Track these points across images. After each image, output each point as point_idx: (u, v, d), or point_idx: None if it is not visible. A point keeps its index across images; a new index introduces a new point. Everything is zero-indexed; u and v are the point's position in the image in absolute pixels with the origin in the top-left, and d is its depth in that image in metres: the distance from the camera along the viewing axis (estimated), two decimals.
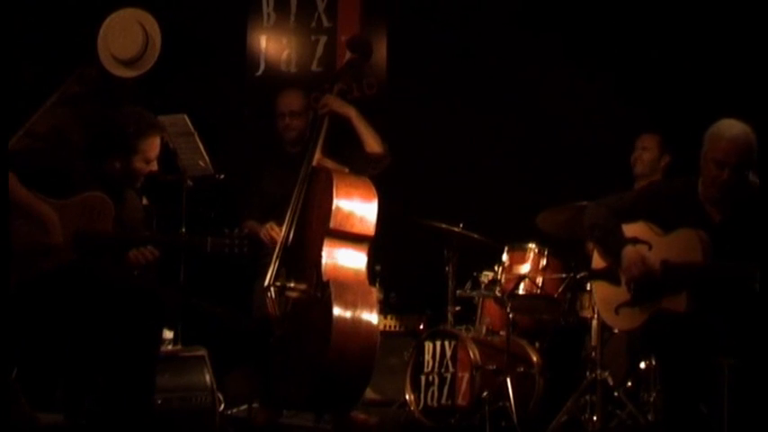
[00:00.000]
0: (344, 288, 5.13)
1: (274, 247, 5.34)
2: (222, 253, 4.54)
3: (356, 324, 5.09)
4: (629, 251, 4.45)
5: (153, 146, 4.56)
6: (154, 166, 4.60)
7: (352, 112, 5.47)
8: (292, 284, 5.22)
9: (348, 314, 5.08)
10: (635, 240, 4.50)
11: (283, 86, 6.35)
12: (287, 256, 5.29)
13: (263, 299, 5.25)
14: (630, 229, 4.54)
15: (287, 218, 5.35)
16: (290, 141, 5.72)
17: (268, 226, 5.44)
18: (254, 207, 5.64)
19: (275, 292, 5.22)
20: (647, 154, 5.81)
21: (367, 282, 5.31)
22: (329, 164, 5.44)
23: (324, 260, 5.17)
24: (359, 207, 5.28)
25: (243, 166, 6.00)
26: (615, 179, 5.73)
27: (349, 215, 5.25)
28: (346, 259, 5.25)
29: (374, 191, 5.35)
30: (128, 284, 4.45)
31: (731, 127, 4.35)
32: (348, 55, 5.95)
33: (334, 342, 5.00)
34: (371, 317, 5.15)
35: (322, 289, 5.10)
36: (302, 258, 5.27)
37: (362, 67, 5.75)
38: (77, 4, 6.66)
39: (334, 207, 5.20)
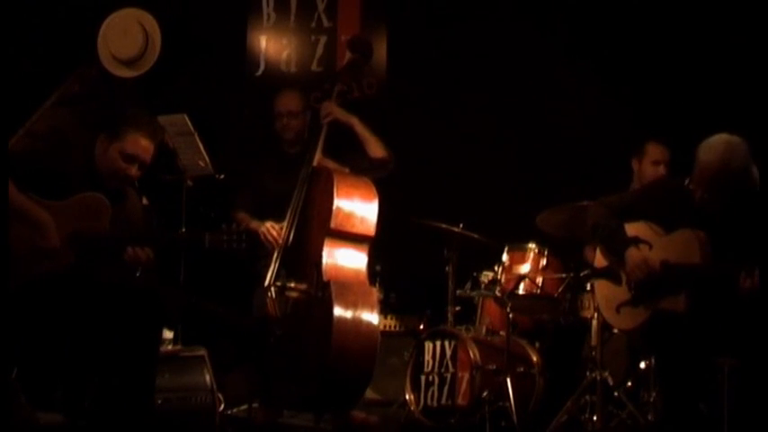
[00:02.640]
0: (345, 288, 5.13)
1: (274, 247, 5.33)
2: (220, 248, 4.54)
3: (357, 324, 5.09)
4: (632, 253, 4.46)
5: (133, 142, 4.46)
6: (131, 170, 4.52)
7: (354, 120, 5.48)
8: (293, 284, 5.22)
9: (349, 314, 5.08)
10: (636, 240, 4.50)
11: (283, 86, 6.35)
12: (287, 256, 5.29)
13: (264, 299, 5.25)
14: (631, 229, 4.55)
15: (287, 218, 5.36)
16: (288, 141, 5.72)
17: (268, 225, 5.43)
18: (248, 200, 5.64)
19: (275, 291, 5.22)
20: (661, 169, 5.60)
21: (367, 282, 5.31)
22: (330, 164, 5.44)
23: (324, 260, 5.18)
24: (360, 207, 5.29)
25: (242, 164, 6.00)
26: (615, 179, 5.73)
27: (350, 215, 5.25)
28: (347, 259, 5.25)
29: (375, 191, 5.36)
30: (127, 285, 4.45)
31: (712, 150, 4.29)
32: (348, 55, 5.95)
33: (335, 342, 5.00)
34: (372, 317, 5.15)
35: (323, 289, 5.10)
36: (302, 258, 5.27)
37: (363, 67, 5.75)
38: (77, 4, 6.65)
39: (335, 207, 5.20)
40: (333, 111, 5.49)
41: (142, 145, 4.48)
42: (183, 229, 5.74)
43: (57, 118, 5.29)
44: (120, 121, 4.52)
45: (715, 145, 4.33)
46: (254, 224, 5.48)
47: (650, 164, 5.65)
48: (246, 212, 5.56)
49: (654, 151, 5.68)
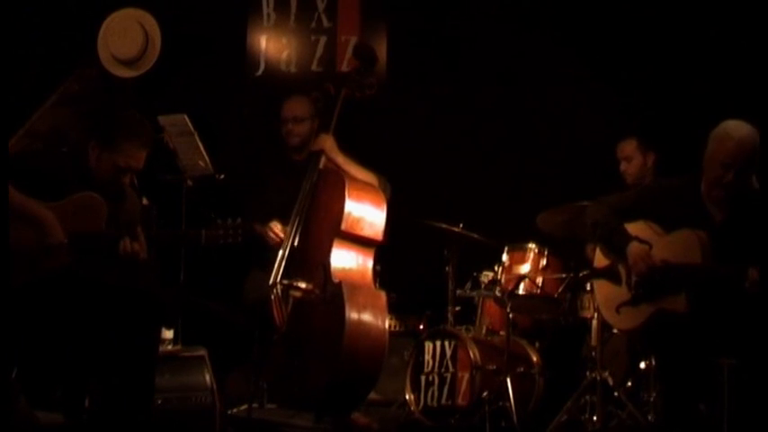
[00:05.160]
0: (356, 290, 5.12)
1: (278, 245, 5.34)
2: (217, 244, 4.54)
3: (368, 327, 5.08)
4: (634, 247, 4.46)
5: (128, 154, 4.43)
6: (125, 178, 4.50)
7: (339, 159, 5.43)
8: (302, 285, 5.20)
9: (360, 317, 5.06)
10: (637, 239, 4.50)
11: (283, 86, 6.35)
12: (292, 255, 5.28)
13: (256, 289, 5.24)
14: (631, 228, 4.54)
15: (292, 218, 5.34)
16: (293, 147, 5.72)
17: (271, 224, 5.44)
18: (257, 211, 5.64)
19: (281, 290, 5.21)
20: (632, 165, 5.73)
21: (374, 285, 5.31)
22: (340, 158, 5.41)
23: (333, 262, 5.16)
24: (370, 211, 5.28)
25: (246, 173, 5.99)
26: (615, 179, 5.73)
27: (360, 218, 5.24)
28: (354, 262, 5.24)
29: (383, 197, 5.36)
30: (126, 284, 4.45)
31: (738, 128, 4.34)
32: (353, 61, 5.95)
33: (346, 344, 4.97)
34: (382, 320, 5.14)
35: (332, 290, 5.09)
36: (308, 259, 5.26)
37: (366, 74, 5.72)
38: (77, 4, 6.65)
39: (346, 209, 5.19)
40: (325, 143, 5.43)
41: (135, 156, 4.46)
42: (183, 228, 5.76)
43: (57, 118, 5.30)
44: (111, 127, 4.48)
45: (738, 124, 4.36)
46: (257, 228, 5.49)
47: (625, 162, 5.77)
48: (259, 224, 5.56)
49: (621, 149, 5.80)
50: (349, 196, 5.21)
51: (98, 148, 4.45)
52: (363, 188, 5.33)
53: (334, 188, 5.27)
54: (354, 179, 5.35)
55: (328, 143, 5.43)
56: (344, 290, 5.06)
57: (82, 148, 4.51)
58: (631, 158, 5.75)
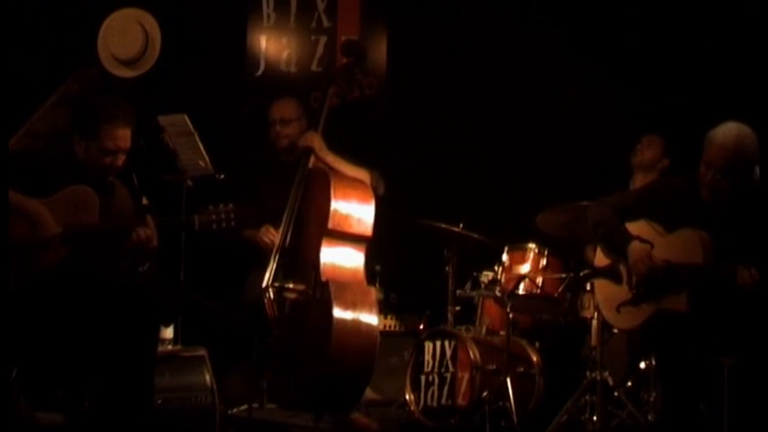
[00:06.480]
0: (344, 288, 5.13)
1: (271, 249, 5.34)
2: (210, 229, 4.54)
3: (356, 324, 5.09)
4: (635, 246, 4.46)
5: (112, 136, 4.43)
6: (118, 161, 4.50)
7: (329, 158, 5.43)
8: (291, 285, 5.21)
9: (348, 314, 5.08)
10: (638, 239, 4.50)
11: (283, 86, 6.33)
12: (285, 257, 5.29)
13: (256, 290, 5.25)
14: (633, 228, 4.54)
15: (284, 219, 5.35)
16: (281, 150, 5.71)
17: (263, 229, 5.44)
18: (254, 219, 5.62)
19: (273, 292, 5.22)
20: (649, 151, 5.83)
21: (365, 282, 5.31)
22: (329, 157, 5.41)
23: (322, 261, 5.18)
24: (356, 208, 5.28)
25: (241, 176, 5.98)
26: (615, 180, 5.74)
27: (347, 216, 5.25)
28: (344, 259, 5.25)
29: (371, 193, 5.36)
30: (124, 279, 4.44)
31: (726, 132, 4.34)
32: (342, 59, 5.95)
33: (335, 342, 5.00)
34: (371, 316, 5.15)
35: (321, 289, 5.10)
36: (300, 259, 5.27)
37: (356, 70, 5.72)
38: (77, 4, 6.66)
39: (332, 208, 5.20)
40: (313, 142, 5.43)
41: (119, 136, 4.47)
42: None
43: (57, 118, 5.30)
44: (89, 117, 4.49)
45: (730, 127, 4.36)
46: (249, 232, 5.49)
47: (645, 145, 5.87)
48: (254, 229, 5.56)
49: (647, 138, 5.89)
50: (334, 194, 5.21)
51: (83, 141, 4.47)
52: (349, 185, 5.33)
53: (321, 187, 5.28)
54: (340, 176, 5.34)
55: (316, 142, 5.43)
56: (331, 288, 5.07)
57: (69, 145, 4.51)
58: (652, 147, 5.85)
